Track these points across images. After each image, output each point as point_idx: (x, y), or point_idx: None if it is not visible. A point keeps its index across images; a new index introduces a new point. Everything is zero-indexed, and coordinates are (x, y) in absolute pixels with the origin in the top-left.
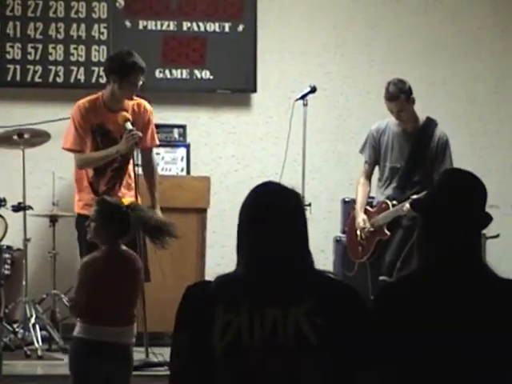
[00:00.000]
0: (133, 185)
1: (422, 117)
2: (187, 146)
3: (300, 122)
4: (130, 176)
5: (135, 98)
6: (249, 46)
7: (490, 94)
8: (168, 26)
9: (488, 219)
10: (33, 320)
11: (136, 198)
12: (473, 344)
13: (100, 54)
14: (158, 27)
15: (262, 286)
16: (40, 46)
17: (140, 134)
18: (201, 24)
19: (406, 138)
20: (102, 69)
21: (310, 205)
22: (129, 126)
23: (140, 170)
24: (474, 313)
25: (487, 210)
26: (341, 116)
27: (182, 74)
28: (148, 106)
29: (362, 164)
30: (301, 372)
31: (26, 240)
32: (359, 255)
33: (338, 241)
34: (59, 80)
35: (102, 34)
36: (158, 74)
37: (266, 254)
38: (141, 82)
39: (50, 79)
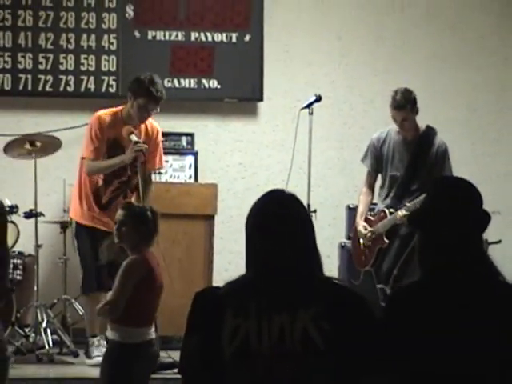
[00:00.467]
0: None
1: (421, 125)
2: (195, 154)
3: (305, 131)
4: (132, 192)
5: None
6: (255, 55)
7: (490, 103)
8: (176, 36)
9: (487, 218)
10: (44, 324)
11: None
12: (478, 350)
13: (109, 63)
14: (167, 37)
15: (271, 292)
16: (51, 56)
17: (145, 146)
18: (208, 34)
19: (405, 147)
20: (111, 78)
21: (315, 211)
22: (134, 137)
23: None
24: (479, 319)
25: None
26: (345, 124)
27: (190, 83)
28: (159, 128)
29: (366, 171)
30: (307, 377)
31: (38, 246)
32: (362, 264)
33: (342, 246)
34: (70, 89)
35: (112, 44)
36: (166, 83)
37: (275, 262)
38: (155, 111)
39: (61, 88)
